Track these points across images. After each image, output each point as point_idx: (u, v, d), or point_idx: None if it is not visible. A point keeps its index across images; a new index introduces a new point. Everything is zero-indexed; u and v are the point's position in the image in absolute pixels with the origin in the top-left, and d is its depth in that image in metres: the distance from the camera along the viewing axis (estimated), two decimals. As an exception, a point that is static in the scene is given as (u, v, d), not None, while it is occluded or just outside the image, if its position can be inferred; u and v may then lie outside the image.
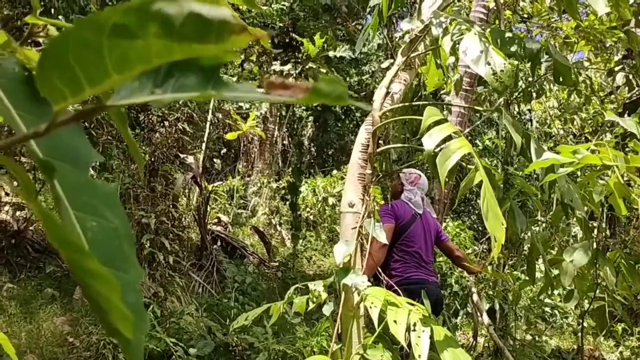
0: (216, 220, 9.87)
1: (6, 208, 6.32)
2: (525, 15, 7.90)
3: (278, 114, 12.60)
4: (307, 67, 9.82)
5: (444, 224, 8.91)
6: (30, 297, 5.26)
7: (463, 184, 2.04)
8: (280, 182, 11.27)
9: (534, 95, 7.06)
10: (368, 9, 3.47)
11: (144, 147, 6.28)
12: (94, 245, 0.58)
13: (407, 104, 2.77)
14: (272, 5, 10.02)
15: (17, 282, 5.41)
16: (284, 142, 13.81)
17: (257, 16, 8.90)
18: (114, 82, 0.41)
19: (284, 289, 7.42)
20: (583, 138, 10.81)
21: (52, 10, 6.58)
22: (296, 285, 2.66)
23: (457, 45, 2.30)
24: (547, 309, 7.73)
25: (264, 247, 9.05)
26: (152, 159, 6.28)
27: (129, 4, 0.38)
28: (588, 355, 6.95)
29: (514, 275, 5.37)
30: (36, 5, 0.73)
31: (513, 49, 2.52)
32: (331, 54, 11.24)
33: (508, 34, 2.55)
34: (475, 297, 4.82)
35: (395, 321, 2.13)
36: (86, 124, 6.48)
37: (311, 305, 2.52)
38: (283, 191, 10.80)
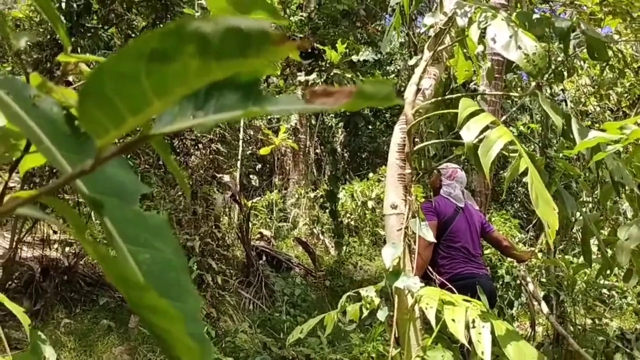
0: (259, 235, 9.92)
1: (55, 246, 6.47)
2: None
3: (308, 124, 12.62)
4: (331, 74, 9.82)
5: (488, 216, 8.77)
6: (87, 330, 5.35)
7: (508, 173, 1.99)
8: (318, 191, 11.27)
9: (566, 74, 6.90)
10: (389, 9, 3.44)
11: (183, 171, 6.36)
12: (149, 277, 0.57)
13: (439, 98, 2.73)
14: (291, 18, 10.07)
15: (74, 316, 5.51)
16: (317, 151, 13.82)
17: (277, 29, 8.95)
18: (155, 109, 0.40)
19: (333, 297, 7.40)
20: (621, 112, 10.53)
21: (79, 48, 6.74)
22: (348, 293, 2.63)
23: (485, 34, 2.25)
24: (604, 290, 7.52)
25: (309, 258, 9.04)
26: (191, 182, 6.35)
27: (164, 27, 0.37)
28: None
29: (567, 260, 5.23)
30: (67, 43, 0.73)
31: (543, 30, 2.46)
32: (354, 58, 11.23)
33: (535, 16, 2.49)
34: (530, 286, 4.71)
35: (453, 320, 2.08)
36: (125, 155, 6.61)
37: (365, 312, 2.49)
38: (321, 200, 10.79)
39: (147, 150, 6.43)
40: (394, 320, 2.42)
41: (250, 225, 8.63)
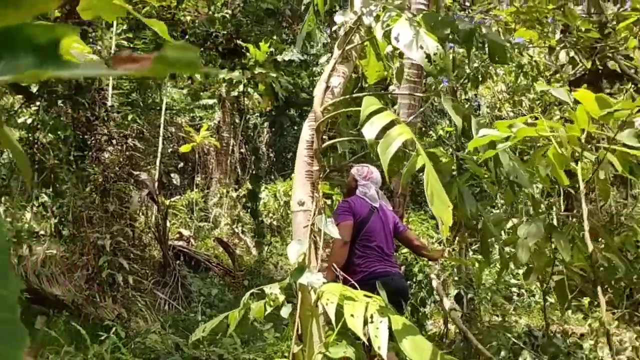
0: (178, 235, 9.72)
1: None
2: (467, 4, 8.01)
3: (232, 122, 12.49)
4: (256, 72, 9.76)
5: (407, 216, 8.97)
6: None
7: (405, 169, 2.02)
8: (240, 190, 11.16)
9: (480, 79, 7.16)
10: (303, 7, 3.44)
11: (94, 168, 6.12)
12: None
13: (348, 96, 2.75)
14: (216, 14, 9.93)
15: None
16: (241, 150, 13.69)
17: (201, 25, 8.80)
18: None
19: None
20: (533, 118, 11.03)
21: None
22: (251, 291, 2.60)
23: (390, 33, 2.29)
24: (513, 289, 7.85)
25: (229, 258, 8.94)
26: (103, 179, 6.12)
27: None
28: (558, 330, 7.06)
29: (473, 259, 5.41)
30: None
31: (446, 32, 2.52)
32: (279, 58, 11.19)
33: (440, 18, 2.56)
34: (434, 283, 4.84)
35: (352, 315, 2.09)
36: (34, 149, 6.30)
37: (268, 309, 2.47)
38: (244, 199, 10.70)
39: (59, 145, 6.15)
40: (297, 316, 2.41)
41: (168, 225, 8.43)
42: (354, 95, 2.72)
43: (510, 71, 9.78)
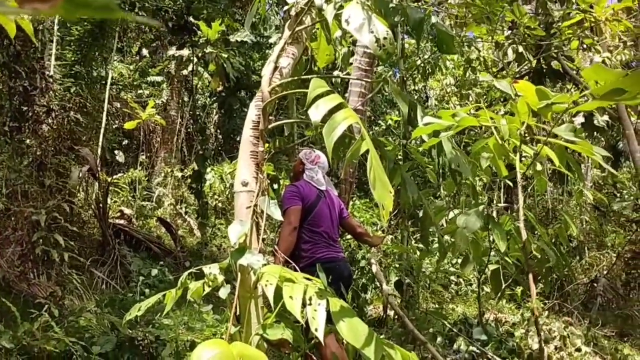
0: (119, 214, 9.49)
1: None
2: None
3: (180, 101, 12.25)
4: (206, 51, 9.58)
5: (352, 203, 9.03)
6: None
7: (349, 153, 2.02)
8: (186, 170, 10.98)
9: (429, 71, 7.26)
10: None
11: (31, 140, 5.88)
12: None
13: (296, 77, 2.72)
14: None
15: None
16: (188, 130, 13.46)
17: (149, -1, 8.54)
18: None
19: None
20: (476, 110, 11.28)
21: None
22: (190, 270, 2.56)
23: (341, 15, 2.27)
24: (452, 277, 8.03)
25: (171, 239, 8.80)
26: (40, 152, 5.89)
27: None
28: (492, 318, 7.29)
29: (414, 247, 5.51)
30: None
31: (397, 18, 2.53)
32: (232, 38, 11.01)
33: (392, 4, 2.56)
34: (374, 268, 4.90)
35: (291, 297, 2.09)
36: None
37: (207, 289, 2.44)
38: (189, 180, 10.54)
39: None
40: (236, 297, 2.39)
41: (109, 202, 8.22)
42: (302, 77, 2.70)
43: (459, 65, 9.96)
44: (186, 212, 10.41)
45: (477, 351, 5.70)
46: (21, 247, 5.78)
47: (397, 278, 6.08)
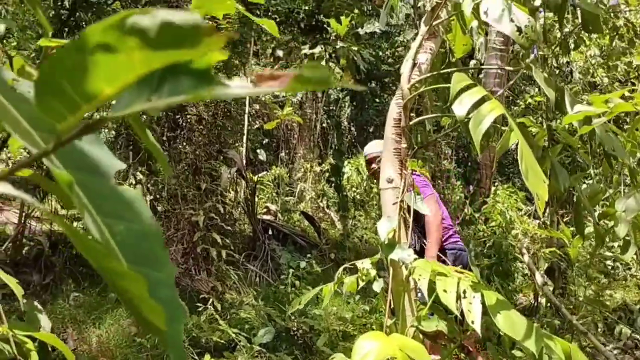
0: (265, 210, 10.00)
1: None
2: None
3: (313, 98, 12.60)
4: (337, 47, 9.77)
5: (494, 188, 8.78)
6: (96, 303, 5.47)
7: (498, 146, 2.02)
8: (323, 165, 11.30)
9: (572, 46, 6.83)
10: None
11: (186, 147, 6.41)
12: (123, 248, 0.62)
13: (435, 72, 2.74)
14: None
15: (82, 290, 5.63)
16: (323, 125, 13.80)
17: (282, 2, 8.88)
18: (106, 95, 0.44)
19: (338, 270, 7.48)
20: (629, 84, 10.43)
21: (83, 23, 6.75)
22: (344, 266, 2.69)
23: (479, 7, 2.26)
24: (608, 262, 7.55)
25: (315, 231, 9.12)
26: (194, 158, 6.40)
27: (106, 22, 0.41)
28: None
29: (567, 231, 5.25)
30: (47, 28, 0.76)
31: (537, 2, 2.46)
32: (360, 31, 11.12)
33: (531, -12, 2.49)
34: (526, 258, 4.75)
35: (445, 290, 2.13)
36: (130, 130, 6.67)
37: (361, 283, 2.55)
38: (327, 174, 10.84)
39: (152, 126, 6.47)
40: (389, 291, 2.48)
41: (256, 200, 8.69)
42: (441, 72, 2.72)
43: (605, 34, 9.26)
44: (327, 206, 10.72)
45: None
46: (183, 245, 6.32)
47: (547, 265, 5.84)
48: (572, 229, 6.91)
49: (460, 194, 8.61)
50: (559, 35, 7.60)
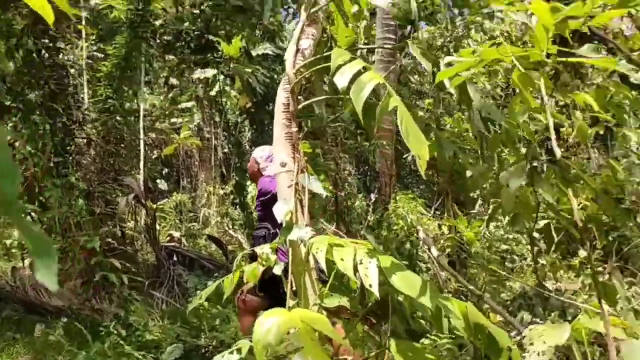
0: (169, 237, 9.72)
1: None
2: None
3: (212, 122, 12.49)
4: (230, 67, 9.77)
5: (393, 195, 9.03)
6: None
7: (378, 110, 2.07)
8: (227, 186, 11.18)
9: (452, 50, 7.25)
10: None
11: (76, 172, 6.12)
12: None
13: (319, 56, 2.79)
14: (184, 13, 9.91)
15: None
16: (224, 151, 13.69)
17: (171, 23, 8.78)
18: None
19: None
20: (510, 90, 11.11)
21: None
22: (243, 252, 2.64)
23: (352, -16, 2.33)
24: (506, 255, 7.93)
25: (222, 254, 8.96)
26: (86, 183, 6.12)
27: None
28: (552, 289, 7.16)
29: (464, 221, 5.49)
30: None
31: (408, -17, 2.57)
32: (254, 52, 11.18)
33: (401, -30, 2.60)
34: (421, 234, 4.89)
35: (342, 259, 2.14)
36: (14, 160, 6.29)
37: (261, 268, 2.51)
38: (231, 196, 10.72)
39: (37, 154, 6.13)
40: (289, 273, 2.45)
41: (158, 227, 8.44)
42: (324, 55, 2.77)
43: (483, 43, 9.85)
44: (234, 228, 10.57)
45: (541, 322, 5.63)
46: (83, 277, 5.99)
47: (446, 254, 6.04)
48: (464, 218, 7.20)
49: (362, 202, 8.79)
50: (439, 43, 8.05)
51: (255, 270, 2.56)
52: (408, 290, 2.02)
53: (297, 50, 2.74)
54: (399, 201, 9.50)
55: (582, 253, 5.70)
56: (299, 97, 2.71)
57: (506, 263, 8.12)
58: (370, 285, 2.05)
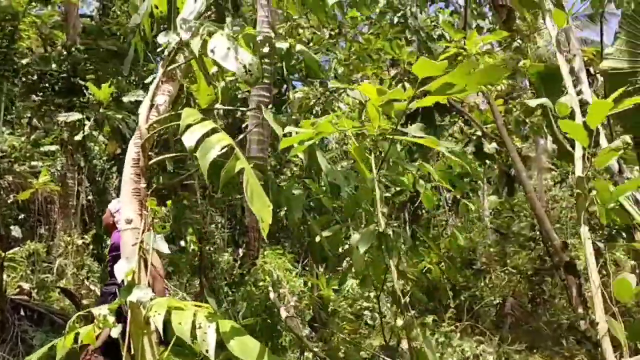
0: (18, 289, 8.95)
1: None
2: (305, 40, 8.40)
3: (77, 168, 11.87)
4: (98, 113, 9.43)
5: (262, 250, 8.99)
6: None
7: (224, 171, 2.08)
8: (86, 237, 10.57)
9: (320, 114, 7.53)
10: (130, 34, 3.46)
11: None
12: None
13: (173, 113, 2.79)
14: (53, 53, 9.50)
15: None
16: (89, 198, 13.00)
17: (34, 63, 8.36)
18: None
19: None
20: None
21: None
22: (78, 313, 2.49)
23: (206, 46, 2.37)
24: (366, 312, 8.12)
25: (76, 309, 8.37)
26: None
27: None
28: (409, 346, 7.41)
29: (324, 279, 5.58)
30: None
31: (265, 49, 2.66)
32: (125, 99, 10.88)
33: (259, 37, 2.69)
34: (283, 313, 4.88)
35: (180, 323, 2.08)
36: None
37: (97, 331, 2.38)
38: (91, 247, 10.15)
39: None
40: (127, 335, 2.34)
41: (5, 278, 7.77)
42: (178, 112, 2.76)
43: (353, 108, 10.32)
44: (89, 279, 9.96)
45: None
46: None
47: (310, 316, 6.07)
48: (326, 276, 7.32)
49: (229, 257, 8.67)
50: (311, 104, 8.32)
51: (91, 333, 2.42)
52: (244, 356, 2.01)
53: (152, 106, 2.72)
54: (267, 256, 9.48)
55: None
56: (150, 153, 2.66)
57: (368, 320, 8.32)
58: (207, 351, 2.01)
